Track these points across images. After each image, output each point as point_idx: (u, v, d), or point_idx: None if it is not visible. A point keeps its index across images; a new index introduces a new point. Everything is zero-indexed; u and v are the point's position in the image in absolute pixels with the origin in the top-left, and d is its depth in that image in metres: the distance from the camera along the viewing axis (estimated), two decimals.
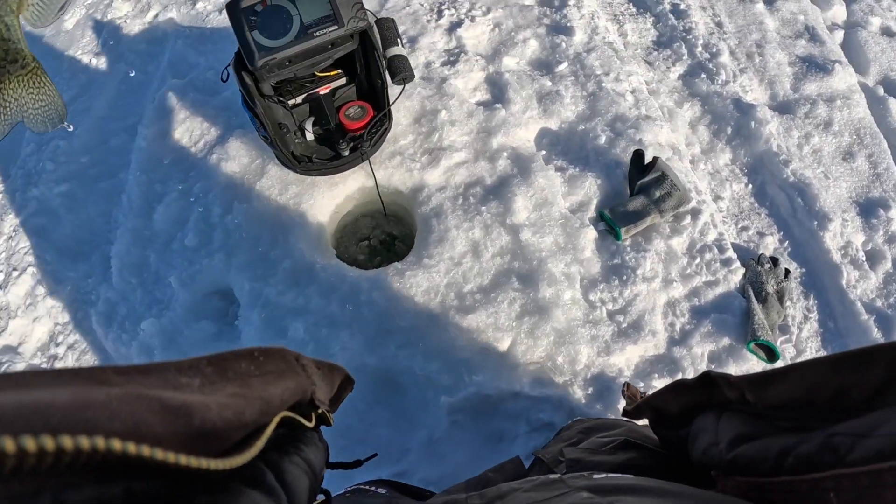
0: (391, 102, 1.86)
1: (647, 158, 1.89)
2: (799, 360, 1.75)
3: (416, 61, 2.24)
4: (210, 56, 2.42)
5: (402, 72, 1.80)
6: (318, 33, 1.68)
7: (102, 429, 0.19)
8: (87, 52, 2.71)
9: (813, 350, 1.76)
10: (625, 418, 1.04)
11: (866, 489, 0.31)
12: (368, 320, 1.76)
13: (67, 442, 0.18)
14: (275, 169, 2.05)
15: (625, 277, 1.79)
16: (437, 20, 2.34)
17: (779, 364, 1.69)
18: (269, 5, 1.64)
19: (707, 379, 0.50)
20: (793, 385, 0.40)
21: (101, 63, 2.67)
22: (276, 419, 0.30)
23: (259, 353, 0.31)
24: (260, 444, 0.28)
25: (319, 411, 0.41)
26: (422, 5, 2.40)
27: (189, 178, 2.12)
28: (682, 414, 0.57)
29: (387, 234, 2.23)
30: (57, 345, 2.02)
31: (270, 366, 0.31)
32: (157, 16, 2.78)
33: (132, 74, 2.53)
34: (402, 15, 2.37)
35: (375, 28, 1.84)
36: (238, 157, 2.10)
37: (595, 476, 0.47)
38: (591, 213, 1.91)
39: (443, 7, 2.37)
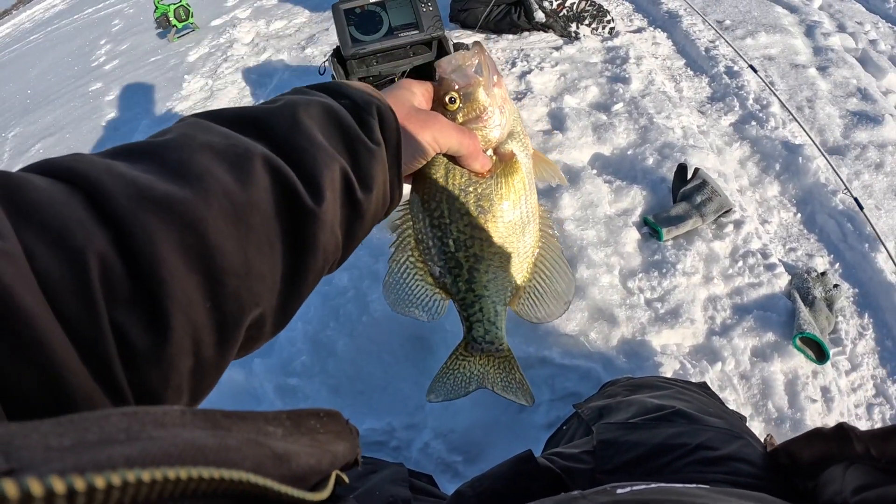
0: None
1: (691, 173, 2.00)
2: (854, 374, 1.65)
3: None
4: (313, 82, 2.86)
5: None
6: (401, 35, 2.03)
7: (241, 467, 0.24)
8: (206, 77, 3.27)
9: (870, 366, 1.65)
10: (678, 381, 1.03)
11: None
12: None
13: (225, 474, 0.22)
14: None
15: (664, 270, 1.81)
16: (510, 69, 2.69)
17: (828, 365, 1.60)
18: (366, 9, 2.02)
19: (841, 430, 0.53)
20: None
21: (217, 85, 3.21)
22: (335, 473, 0.34)
23: (323, 414, 0.35)
24: (331, 485, 0.32)
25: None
26: (499, 58, 2.77)
27: None
28: (813, 463, 0.59)
29: None
30: None
31: (331, 426, 0.35)
32: (269, 56, 3.36)
33: (243, 96, 3.02)
34: None
35: (452, 45, 2.18)
36: None
37: (619, 491, 0.49)
38: (636, 217, 2.00)
39: (517, 60, 2.73)
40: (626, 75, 2.54)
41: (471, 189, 0.58)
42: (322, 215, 0.42)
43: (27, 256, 0.29)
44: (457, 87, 0.57)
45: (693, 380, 1.55)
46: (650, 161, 2.14)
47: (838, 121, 2.25)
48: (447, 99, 0.57)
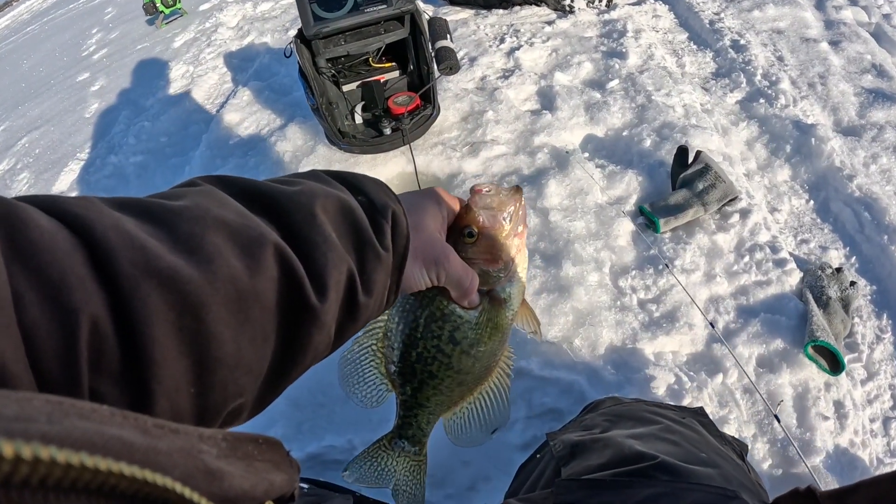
0: (435, 78, 1.95)
1: (692, 156, 1.80)
2: (871, 383, 1.46)
3: (473, 75, 2.36)
4: (291, 68, 2.68)
5: (447, 60, 1.90)
6: (368, 10, 1.85)
7: (168, 473, 0.22)
8: (188, 63, 3.12)
9: (889, 374, 1.46)
10: (669, 409, 0.92)
11: None
12: None
13: (149, 476, 0.20)
14: (323, 149, 2.16)
15: (661, 267, 1.63)
16: (498, 45, 2.49)
17: (842, 375, 1.42)
18: None
19: (809, 491, 0.55)
20: (861, 499, 0.46)
21: (198, 71, 3.05)
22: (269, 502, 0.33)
23: (262, 441, 0.34)
24: None
25: None
26: (487, 34, 2.57)
27: (247, 155, 2.27)
28: None
29: None
30: None
31: (270, 455, 0.34)
32: (252, 40, 3.19)
33: (223, 82, 2.86)
34: (467, 41, 2.55)
35: (425, 20, 1.98)
36: (293, 139, 2.23)
37: None
38: (630, 206, 1.81)
39: (506, 35, 2.53)
40: (624, 50, 2.33)
41: (452, 318, 0.58)
42: (322, 315, 0.42)
43: (15, 301, 0.28)
44: (482, 223, 0.57)
45: (689, 397, 1.38)
46: (647, 143, 1.95)
47: (853, 99, 2.03)
48: (467, 232, 0.57)
